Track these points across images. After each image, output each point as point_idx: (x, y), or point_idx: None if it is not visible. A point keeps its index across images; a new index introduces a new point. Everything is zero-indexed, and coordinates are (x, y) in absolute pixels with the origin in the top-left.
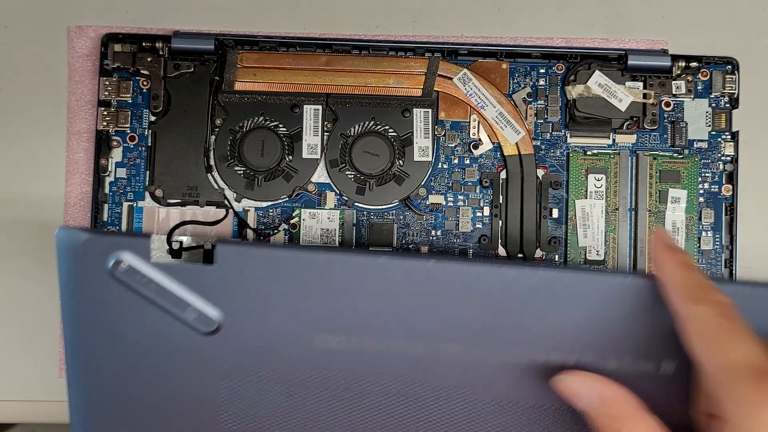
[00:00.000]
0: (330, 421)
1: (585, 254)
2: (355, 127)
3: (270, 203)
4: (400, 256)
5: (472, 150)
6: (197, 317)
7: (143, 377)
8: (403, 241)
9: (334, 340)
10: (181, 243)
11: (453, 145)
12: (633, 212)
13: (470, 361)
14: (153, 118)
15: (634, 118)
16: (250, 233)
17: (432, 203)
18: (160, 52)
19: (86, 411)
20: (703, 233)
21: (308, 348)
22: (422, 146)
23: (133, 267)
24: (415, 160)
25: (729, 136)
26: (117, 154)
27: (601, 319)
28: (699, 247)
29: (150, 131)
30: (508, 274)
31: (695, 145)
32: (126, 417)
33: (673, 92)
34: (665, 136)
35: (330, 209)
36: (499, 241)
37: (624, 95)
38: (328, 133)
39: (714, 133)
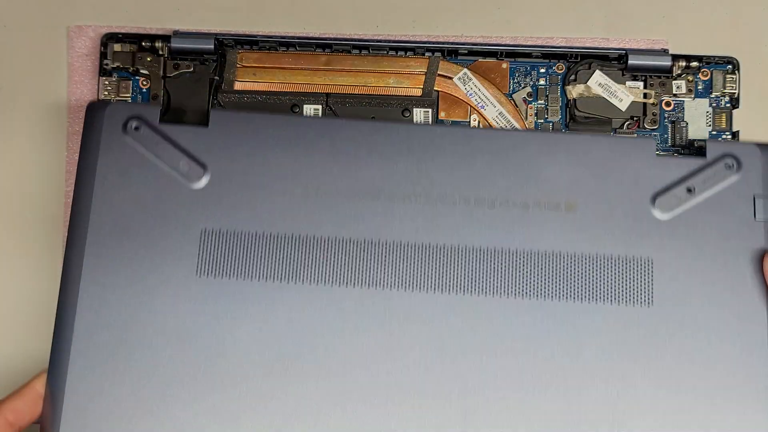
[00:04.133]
0: (303, 269)
1: None
2: None
3: None
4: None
5: None
6: (189, 169)
7: (134, 224)
8: None
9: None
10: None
11: None
12: None
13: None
14: None
15: (635, 118)
16: None
17: None
18: (160, 52)
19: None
20: None
21: (288, 200)
22: None
23: (142, 126)
24: None
25: (729, 136)
26: None
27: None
28: None
29: None
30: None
31: (695, 145)
32: (117, 246)
33: (674, 92)
34: (665, 135)
35: None
36: None
37: (624, 95)
38: None
39: (714, 132)
